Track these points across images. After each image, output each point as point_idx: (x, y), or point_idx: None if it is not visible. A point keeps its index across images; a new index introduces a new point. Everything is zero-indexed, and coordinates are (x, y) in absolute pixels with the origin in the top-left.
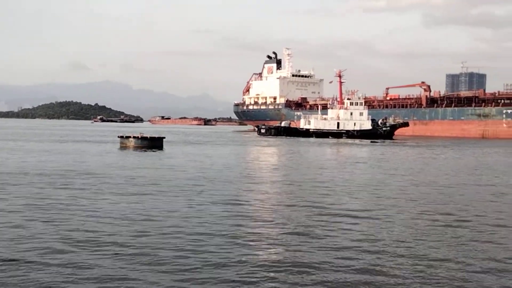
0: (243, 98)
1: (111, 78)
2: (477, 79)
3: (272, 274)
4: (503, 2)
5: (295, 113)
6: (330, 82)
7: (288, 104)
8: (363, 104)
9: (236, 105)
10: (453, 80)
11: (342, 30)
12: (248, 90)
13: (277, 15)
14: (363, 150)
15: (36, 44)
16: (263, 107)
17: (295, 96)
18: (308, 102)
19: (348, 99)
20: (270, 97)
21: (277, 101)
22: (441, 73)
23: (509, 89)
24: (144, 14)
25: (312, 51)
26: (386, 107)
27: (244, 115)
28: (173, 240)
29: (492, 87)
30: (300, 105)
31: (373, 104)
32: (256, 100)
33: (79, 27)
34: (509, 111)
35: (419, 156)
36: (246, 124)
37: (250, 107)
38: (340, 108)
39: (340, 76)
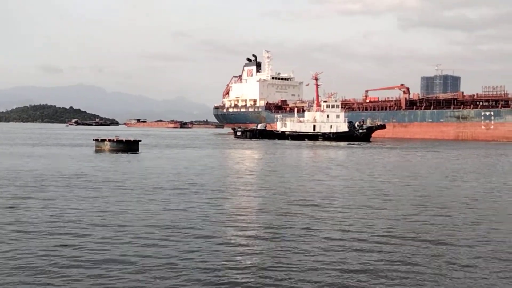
0: (223, 101)
1: (85, 81)
2: (452, 81)
3: (249, 277)
4: (476, 5)
5: (275, 115)
6: (307, 85)
7: (268, 106)
8: (340, 106)
9: (216, 108)
10: (428, 82)
11: (318, 33)
12: (228, 93)
13: (253, 18)
14: (332, 152)
15: (7, 46)
16: (243, 110)
17: (275, 98)
18: (288, 104)
19: (324, 101)
20: (250, 100)
21: (257, 104)
22: (416, 76)
23: (487, 91)
24: (119, 16)
25: (289, 53)
26: (366, 109)
27: (224, 118)
28: (145, 242)
29: (467, 89)
30: (280, 107)
31: (353, 106)
32: (236, 103)
33: (52, 29)
34: (487, 113)
35: (392, 158)
36: (223, 127)
37: (230, 110)
38: (316, 111)
39: (316, 79)
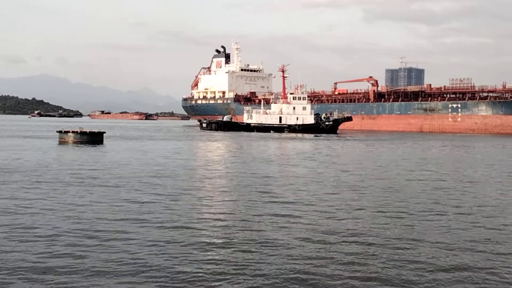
0: (191, 93)
1: (48, 71)
2: (416, 74)
3: (219, 272)
4: None
5: (244, 107)
6: (274, 77)
7: (237, 98)
8: (306, 98)
9: (185, 99)
10: (392, 75)
11: (282, 25)
12: (196, 85)
13: (216, 8)
14: (294, 144)
15: None
16: (212, 101)
17: (244, 90)
18: (257, 96)
19: (291, 93)
20: (219, 92)
21: (226, 96)
22: (381, 68)
23: (454, 84)
24: (82, 6)
25: (254, 45)
26: (335, 101)
27: (192, 109)
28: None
29: (430, 82)
30: (249, 99)
31: (322, 99)
32: (205, 94)
33: (13, 19)
34: (454, 105)
35: (353, 149)
36: (189, 119)
37: (199, 101)
38: (283, 103)
39: (283, 71)
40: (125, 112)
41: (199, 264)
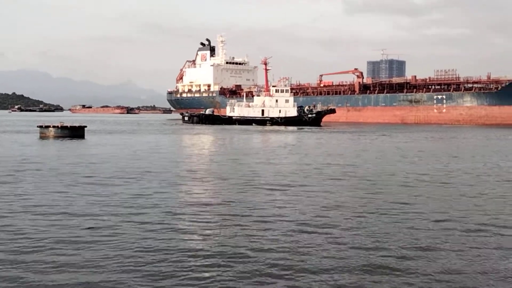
0: (176, 86)
1: (29, 66)
2: (397, 65)
3: (207, 263)
4: None
5: (230, 100)
6: (248, 71)
7: (223, 91)
8: (289, 91)
9: (170, 93)
10: (374, 67)
11: (265, 17)
12: (181, 78)
13: (198, 1)
14: (279, 136)
15: None
16: (197, 95)
17: (230, 83)
18: (242, 89)
19: (273, 86)
20: (204, 85)
21: (211, 89)
22: (363, 60)
23: (439, 75)
24: None
25: (236, 38)
26: (320, 94)
27: (178, 103)
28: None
29: (411, 73)
30: (235, 92)
31: (308, 91)
32: (190, 88)
33: None
34: (439, 97)
35: (336, 142)
36: (171, 112)
37: (184, 95)
38: (266, 96)
39: (266, 64)
40: (107, 106)
41: (185, 258)
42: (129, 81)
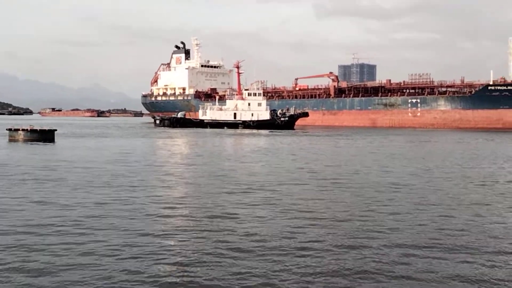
0: (151, 89)
1: None
2: (368, 69)
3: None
4: None
5: (205, 104)
6: (224, 74)
7: (198, 95)
8: (262, 94)
9: (144, 96)
10: (345, 70)
11: (233, 20)
12: (156, 81)
13: (168, 3)
14: (247, 140)
15: None
16: (172, 98)
17: (205, 87)
18: (217, 93)
19: (246, 89)
20: (179, 88)
21: (187, 92)
22: (334, 64)
23: (413, 79)
24: None
25: (207, 40)
26: (296, 97)
27: (152, 106)
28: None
29: (382, 77)
30: (210, 96)
31: (283, 95)
32: (164, 91)
33: None
34: (413, 100)
35: (300, 145)
36: (142, 116)
37: (159, 98)
38: (238, 99)
39: (238, 67)
40: (77, 109)
41: (159, 265)
42: (98, 84)
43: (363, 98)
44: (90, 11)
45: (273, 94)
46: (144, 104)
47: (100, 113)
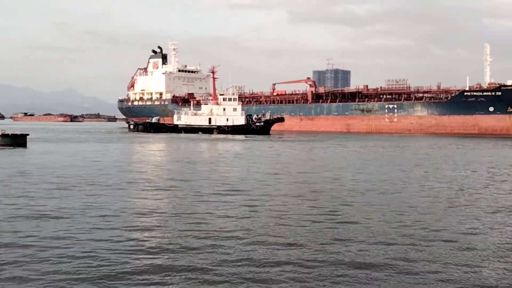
0: (127, 94)
1: None
2: (342, 75)
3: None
4: (362, 1)
5: (182, 109)
6: (201, 79)
7: (175, 100)
8: (237, 99)
9: (121, 101)
10: (319, 76)
11: (208, 26)
12: (133, 86)
13: (143, 9)
14: (219, 145)
15: None
16: (149, 103)
17: (182, 91)
18: (195, 97)
19: (221, 94)
20: (156, 93)
21: (164, 97)
22: (308, 70)
23: (390, 85)
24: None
25: (182, 46)
26: (273, 102)
27: (129, 111)
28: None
29: (356, 82)
30: (187, 101)
31: (260, 100)
32: (141, 95)
33: None
34: (390, 106)
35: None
36: (115, 120)
37: (136, 103)
38: (213, 104)
39: (213, 72)
40: (50, 114)
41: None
42: (73, 88)
43: (340, 104)
44: (64, 16)
45: (251, 99)
46: (121, 109)
47: (73, 118)
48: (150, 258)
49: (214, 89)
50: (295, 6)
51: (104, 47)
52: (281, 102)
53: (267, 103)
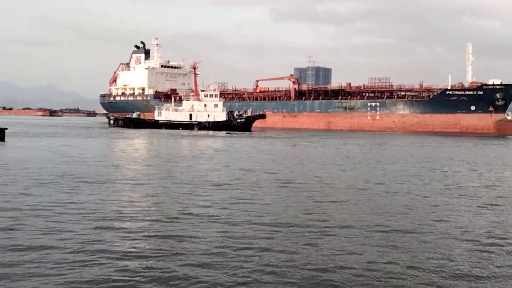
0: (110, 89)
1: None
2: (323, 73)
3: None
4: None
5: (166, 104)
6: (184, 75)
7: (157, 95)
8: (218, 96)
9: (103, 96)
10: (300, 73)
11: (191, 22)
12: (115, 81)
13: (123, 4)
14: (199, 141)
15: None
16: (131, 98)
17: (165, 87)
18: (177, 93)
19: (202, 90)
20: (138, 88)
21: (146, 92)
22: (290, 67)
23: (373, 83)
24: None
25: (163, 42)
26: (256, 99)
27: (111, 106)
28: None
29: (337, 80)
30: (170, 96)
31: (244, 96)
32: (123, 91)
33: None
34: (373, 104)
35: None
36: (95, 115)
37: (118, 98)
38: (194, 100)
39: (195, 68)
40: (29, 108)
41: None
42: (53, 83)
43: (323, 101)
44: (45, 11)
45: (234, 96)
46: (103, 104)
47: (52, 113)
48: (124, 257)
49: (196, 85)
50: (278, 4)
51: (86, 42)
52: (264, 99)
53: (250, 100)
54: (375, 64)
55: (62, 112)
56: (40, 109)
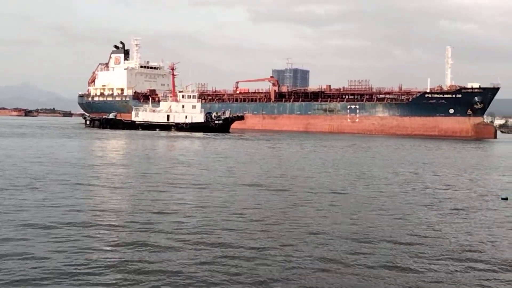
0: (88, 89)
1: None
2: (301, 75)
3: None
4: (323, 1)
5: (144, 105)
6: (163, 75)
7: (136, 96)
8: (197, 97)
9: (81, 96)
10: (279, 75)
11: (171, 22)
12: (94, 81)
13: (104, 4)
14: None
15: None
16: (109, 98)
17: (144, 88)
18: (157, 94)
19: (180, 91)
20: (117, 89)
21: (125, 93)
22: (268, 68)
23: (353, 85)
24: None
25: (143, 42)
26: (236, 101)
27: (89, 106)
28: None
29: (315, 82)
30: (149, 97)
31: (223, 98)
32: (102, 91)
33: None
34: (352, 106)
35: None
36: (71, 116)
37: (96, 98)
38: (172, 101)
39: (173, 69)
40: (4, 108)
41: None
42: (29, 83)
43: (303, 103)
44: (25, 9)
45: (214, 97)
46: (81, 104)
47: (27, 112)
48: (103, 255)
49: (174, 86)
50: (256, 5)
51: (66, 41)
52: (244, 101)
53: (230, 101)
54: (354, 66)
55: (37, 112)
56: (16, 109)
